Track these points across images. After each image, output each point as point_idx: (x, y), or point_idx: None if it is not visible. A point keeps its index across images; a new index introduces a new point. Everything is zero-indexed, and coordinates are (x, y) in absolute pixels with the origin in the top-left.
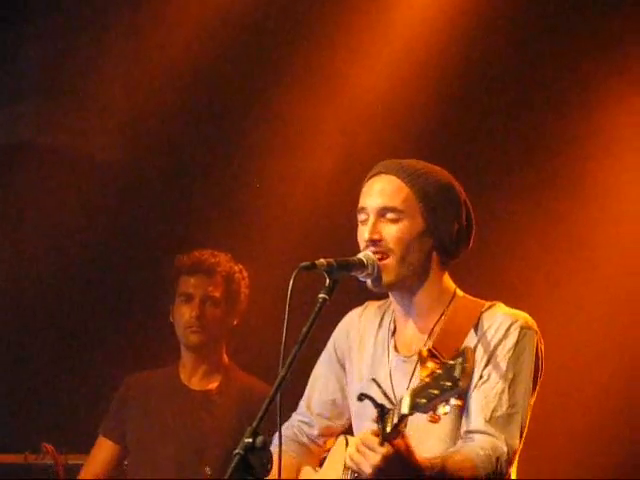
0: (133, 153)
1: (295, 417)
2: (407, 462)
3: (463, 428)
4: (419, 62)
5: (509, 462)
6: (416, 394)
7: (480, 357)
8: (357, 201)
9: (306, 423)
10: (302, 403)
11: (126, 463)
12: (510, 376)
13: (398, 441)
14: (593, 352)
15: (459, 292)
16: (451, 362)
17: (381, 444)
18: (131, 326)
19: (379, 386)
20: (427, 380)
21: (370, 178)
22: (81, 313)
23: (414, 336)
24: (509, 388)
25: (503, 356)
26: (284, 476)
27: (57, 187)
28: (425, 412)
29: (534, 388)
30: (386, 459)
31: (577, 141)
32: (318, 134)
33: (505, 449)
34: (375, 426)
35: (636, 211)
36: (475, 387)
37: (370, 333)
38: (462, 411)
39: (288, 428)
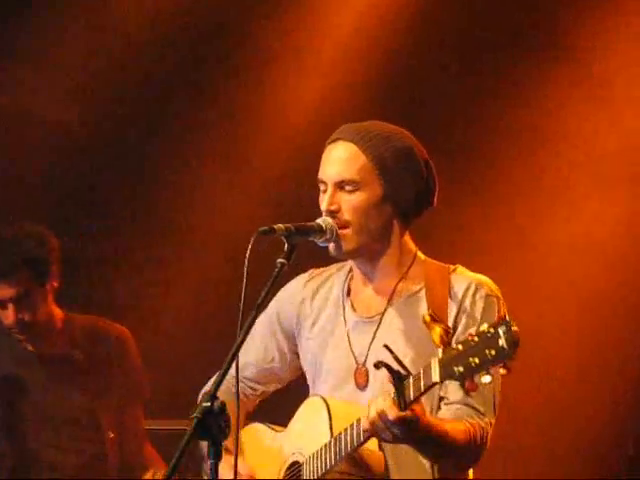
0: (86, 115)
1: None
2: (421, 425)
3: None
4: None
5: (489, 432)
6: (448, 362)
7: (453, 322)
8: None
9: (240, 381)
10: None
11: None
12: None
13: (417, 407)
14: (554, 311)
15: (420, 255)
16: (492, 331)
17: (402, 410)
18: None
19: (391, 352)
20: (460, 348)
21: (329, 144)
22: None
23: (373, 297)
24: None
25: (472, 325)
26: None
27: (8, 145)
28: (459, 380)
29: None
30: (407, 428)
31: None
32: (285, 96)
33: (487, 419)
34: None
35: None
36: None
37: (319, 298)
38: None
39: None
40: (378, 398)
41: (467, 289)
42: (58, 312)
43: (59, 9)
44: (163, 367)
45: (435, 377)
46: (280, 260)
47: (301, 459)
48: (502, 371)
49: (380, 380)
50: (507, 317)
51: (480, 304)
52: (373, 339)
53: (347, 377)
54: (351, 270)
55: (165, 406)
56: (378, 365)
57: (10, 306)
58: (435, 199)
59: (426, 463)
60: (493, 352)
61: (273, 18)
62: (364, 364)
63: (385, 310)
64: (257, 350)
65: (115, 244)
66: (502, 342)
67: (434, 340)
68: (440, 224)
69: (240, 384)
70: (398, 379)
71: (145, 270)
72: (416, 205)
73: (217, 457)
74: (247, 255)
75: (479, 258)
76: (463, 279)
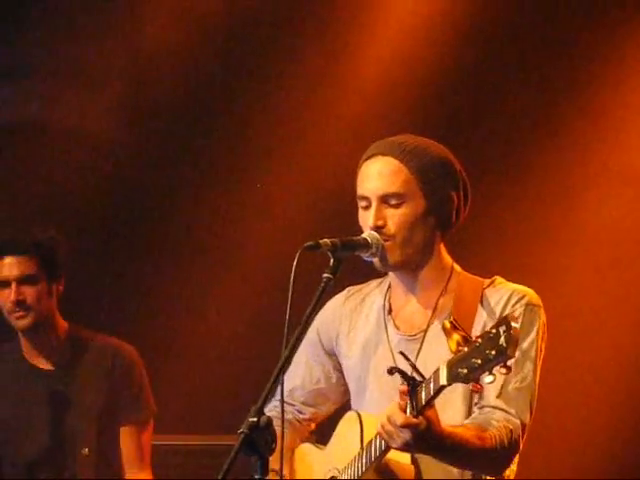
0: (132, 130)
1: (275, 402)
2: (434, 433)
3: (475, 403)
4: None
5: (521, 436)
6: (455, 364)
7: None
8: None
9: (290, 405)
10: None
11: None
12: (518, 352)
13: (430, 413)
14: (590, 322)
15: (456, 267)
16: (493, 331)
17: (415, 417)
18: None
19: (407, 359)
20: (465, 350)
21: (366, 160)
22: None
23: (416, 312)
24: (517, 363)
25: None
26: (284, 451)
27: (57, 164)
28: (465, 382)
29: (539, 363)
30: (417, 433)
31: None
32: (323, 116)
33: (517, 422)
34: (397, 399)
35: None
36: None
37: (359, 315)
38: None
39: (271, 410)
40: (391, 404)
41: (507, 299)
42: (62, 322)
43: (101, 25)
44: (209, 386)
45: (443, 380)
46: (326, 275)
47: (337, 474)
48: (502, 370)
49: None
50: (508, 317)
51: (519, 312)
52: (417, 356)
53: (393, 395)
54: (390, 286)
55: (213, 424)
56: (391, 371)
57: (13, 285)
58: (467, 209)
59: (456, 471)
60: (494, 352)
61: (315, 34)
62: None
63: (428, 327)
64: (302, 373)
65: (156, 264)
66: (502, 341)
67: (450, 347)
68: (472, 234)
69: (289, 408)
70: (412, 385)
71: (188, 289)
72: (456, 216)
73: (264, 473)
74: (293, 271)
75: (512, 264)
76: (501, 290)
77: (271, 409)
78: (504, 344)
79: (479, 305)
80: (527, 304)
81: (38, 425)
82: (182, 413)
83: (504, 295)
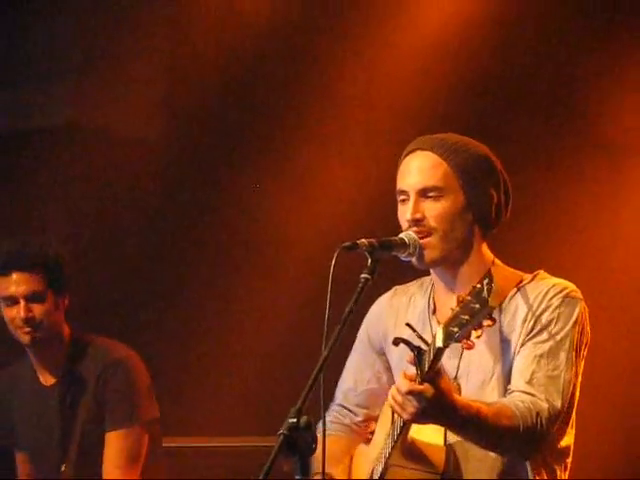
0: (169, 131)
1: (334, 406)
2: (445, 401)
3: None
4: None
5: (550, 420)
6: (447, 325)
7: (524, 325)
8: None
9: (346, 409)
10: (337, 394)
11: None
12: (551, 342)
13: (439, 381)
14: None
15: (497, 262)
16: (478, 286)
17: (420, 384)
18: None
19: (413, 330)
20: (457, 309)
21: (406, 156)
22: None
23: None
24: (549, 352)
25: (546, 323)
26: (333, 452)
27: (95, 167)
28: (459, 341)
29: (579, 355)
30: (425, 400)
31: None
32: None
33: (545, 405)
34: (410, 370)
35: None
36: (517, 354)
37: (404, 313)
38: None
39: (329, 414)
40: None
41: (546, 291)
42: (67, 331)
43: (135, 23)
44: (254, 387)
45: (439, 342)
46: (364, 275)
47: (375, 463)
48: (488, 322)
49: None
50: (490, 271)
51: (556, 304)
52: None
53: None
54: (433, 285)
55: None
56: (396, 342)
57: (22, 302)
58: (509, 209)
59: (493, 456)
60: (478, 305)
61: (346, 37)
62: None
63: None
64: (354, 375)
65: (197, 269)
66: (484, 293)
67: (451, 309)
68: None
69: (344, 411)
70: (418, 353)
71: (228, 297)
72: (496, 212)
73: (304, 473)
74: (331, 271)
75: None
76: (541, 284)
77: (330, 414)
78: (485, 295)
79: (515, 289)
80: (565, 296)
81: (44, 446)
82: (234, 415)
83: (543, 288)
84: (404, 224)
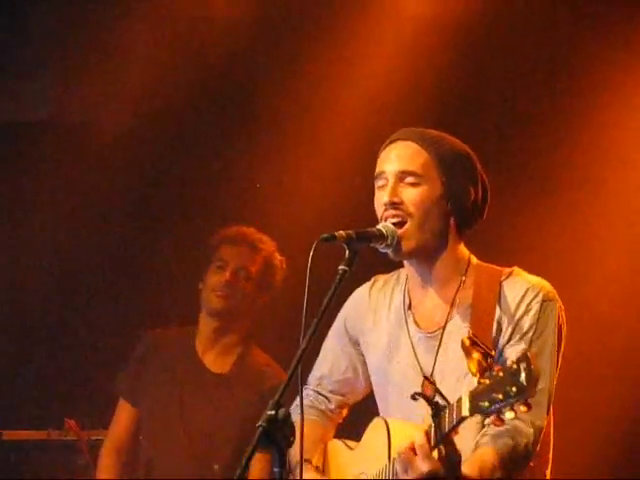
0: (145, 125)
1: (308, 391)
2: (452, 468)
3: None
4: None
5: (537, 441)
6: (476, 396)
7: (503, 332)
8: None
9: (322, 395)
10: (311, 379)
11: (141, 438)
12: (534, 351)
13: (449, 446)
14: (610, 314)
15: (473, 259)
16: (514, 366)
17: (436, 445)
18: (152, 295)
19: (432, 383)
20: (487, 382)
21: (388, 145)
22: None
23: (435, 307)
24: None
25: (525, 332)
26: (311, 438)
27: (78, 160)
28: (487, 415)
29: (559, 352)
30: (434, 469)
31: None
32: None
33: (531, 430)
34: (422, 421)
35: None
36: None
37: (382, 308)
38: None
39: (304, 398)
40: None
41: (522, 296)
42: (245, 330)
43: (120, 22)
44: None
45: (465, 411)
46: (342, 267)
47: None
48: (522, 408)
49: (446, 387)
50: (529, 356)
51: (535, 309)
52: (437, 353)
53: (414, 390)
54: (407, 279)
55: None
56: (415, 397)
57: (229, 269)
58: (486, 211)
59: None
60: (514, 389)
61: (324, 36)
62: (431, 375)
63: (446, 323)
64: (330, 362)
65: (181, 263)
66: (522, 379)
67: (470, 369)
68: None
69: (319, 397)
70: (436, 410)
71: None
72: (472, 209)
73: (282, 466)
74: (309, 263)
75: (533, 259)
76: (517, 284)
77: (306, 398)
78: (524, 382)
79: (496, 301)
80: (542, 301)
81: (187, 424)
82: None
83: (520, 291)
84: (380, 209)
